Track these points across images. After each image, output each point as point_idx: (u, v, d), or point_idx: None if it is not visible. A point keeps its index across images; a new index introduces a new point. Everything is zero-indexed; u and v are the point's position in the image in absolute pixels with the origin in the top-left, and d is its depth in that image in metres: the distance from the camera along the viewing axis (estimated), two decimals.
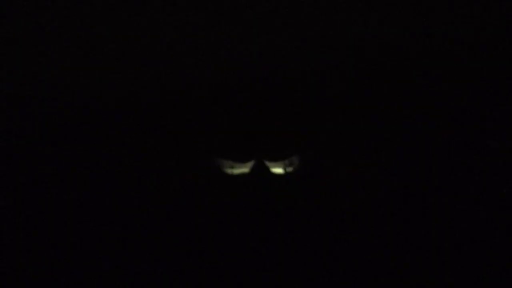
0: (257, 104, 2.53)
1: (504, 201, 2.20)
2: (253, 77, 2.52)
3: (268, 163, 2.40)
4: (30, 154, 2.30)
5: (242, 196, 2.28)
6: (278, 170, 2.42)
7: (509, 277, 2.00)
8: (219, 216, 2.20)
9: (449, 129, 2.37)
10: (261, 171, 2.39)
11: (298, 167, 2.39)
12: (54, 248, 2.11)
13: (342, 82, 2.51)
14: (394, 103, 2.46)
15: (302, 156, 2.40)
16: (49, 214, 2.19)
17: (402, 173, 2.32)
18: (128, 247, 2.11)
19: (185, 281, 2.03)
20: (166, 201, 2.24)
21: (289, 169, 2.40)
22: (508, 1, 2.40)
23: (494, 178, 2.26)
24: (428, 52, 2.50)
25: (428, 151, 2.35)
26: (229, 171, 2.39)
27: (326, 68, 2.52)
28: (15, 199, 2.20)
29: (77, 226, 2.16)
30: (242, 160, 2.41)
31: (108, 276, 2.02)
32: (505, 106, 2.36)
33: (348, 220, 2.18)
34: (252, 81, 2.52)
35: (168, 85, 2.51)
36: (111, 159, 2.34)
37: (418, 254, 2.11)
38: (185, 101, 2.53)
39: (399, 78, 2.49)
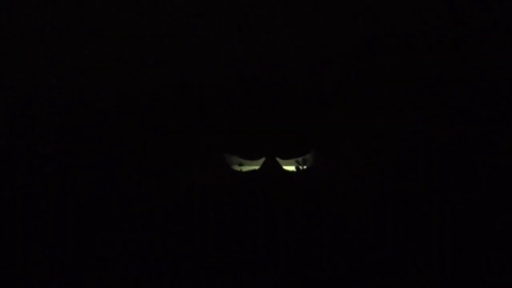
0: (264, 102, 2.53)
1: (504, 201, 2.20)
2: (256, 76, 2.52)
3: (280, 160, 2.38)
4: (30, 154, 2.30)
5: (251, 194, 2.27)
6: (290, 167, 2.40)
7: (509, 277, 2.00)
8: (225, 214, 2.20)
9: (449, 129, 2.37)
10: (272, 168, 2.36)
11: (311, 164, 2.36)
12: (54, 248, 2.11)
13: (343, 81, 2.52)
14: (394, 103, 2.46)
15: (315, 154, 2.38)
16: (49, 214, 2.19)
17: (402, 173, 2.32)
18: (135, 246, 2.12)
19: (188, 278, 2.03)
20: (171, 199, 2.23)
21: (303, 167, 2.38)
22: (508, 1, 2.39)
23: (494, 178, 2.26)
24: (428, 51, 2.50)
25: (428, 151, 2.35)
26: (238, 168, 2.37)
27: (327, 68, 2.53)
28: (15, 199, 2.20)
29: (77, 226, 2.17)
30: (252, 157, 2.39)
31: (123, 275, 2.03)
32: (505, 106, 2.37)
33: (357, 218, 2.18)
34: (256, 80, 2.52)
35: (174, 83, 2.51)
36: (116, 158, 2.34)
37: (418, 254, 2.11)
38: (191, 99, 2.54)
39: (399, 78, 2.49)
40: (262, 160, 2.40)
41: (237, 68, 2.53)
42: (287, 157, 2.40)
